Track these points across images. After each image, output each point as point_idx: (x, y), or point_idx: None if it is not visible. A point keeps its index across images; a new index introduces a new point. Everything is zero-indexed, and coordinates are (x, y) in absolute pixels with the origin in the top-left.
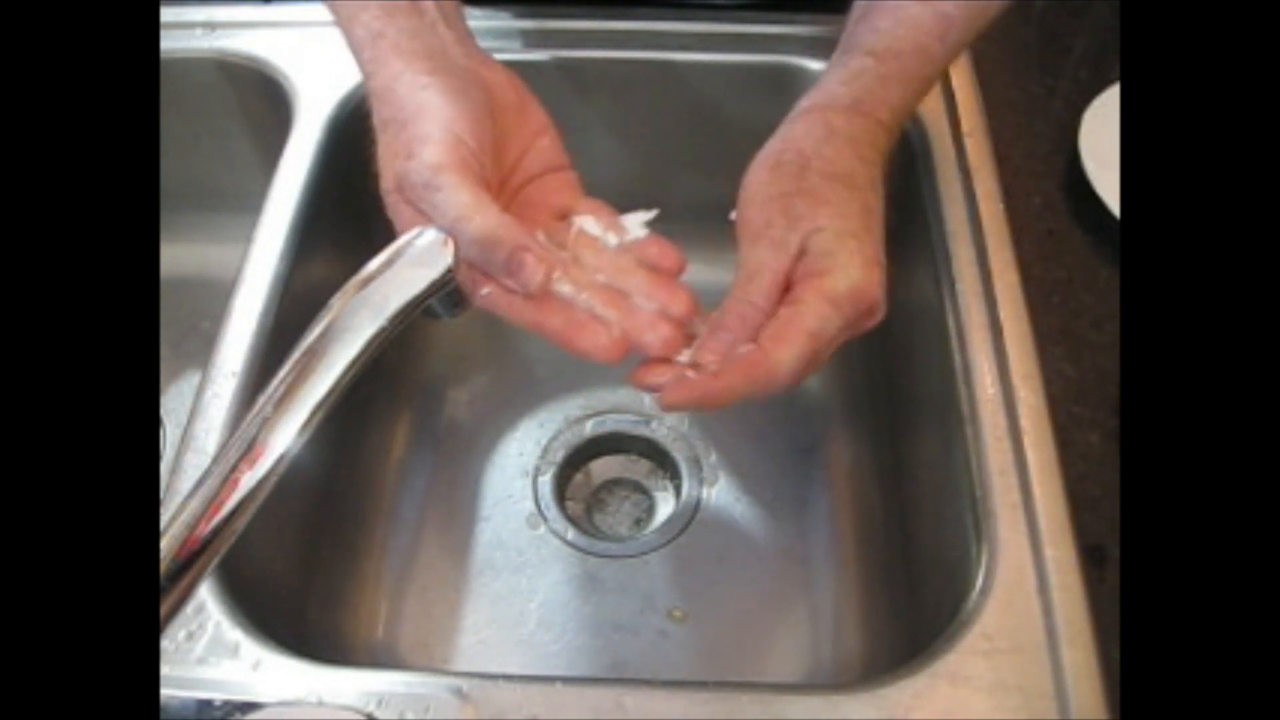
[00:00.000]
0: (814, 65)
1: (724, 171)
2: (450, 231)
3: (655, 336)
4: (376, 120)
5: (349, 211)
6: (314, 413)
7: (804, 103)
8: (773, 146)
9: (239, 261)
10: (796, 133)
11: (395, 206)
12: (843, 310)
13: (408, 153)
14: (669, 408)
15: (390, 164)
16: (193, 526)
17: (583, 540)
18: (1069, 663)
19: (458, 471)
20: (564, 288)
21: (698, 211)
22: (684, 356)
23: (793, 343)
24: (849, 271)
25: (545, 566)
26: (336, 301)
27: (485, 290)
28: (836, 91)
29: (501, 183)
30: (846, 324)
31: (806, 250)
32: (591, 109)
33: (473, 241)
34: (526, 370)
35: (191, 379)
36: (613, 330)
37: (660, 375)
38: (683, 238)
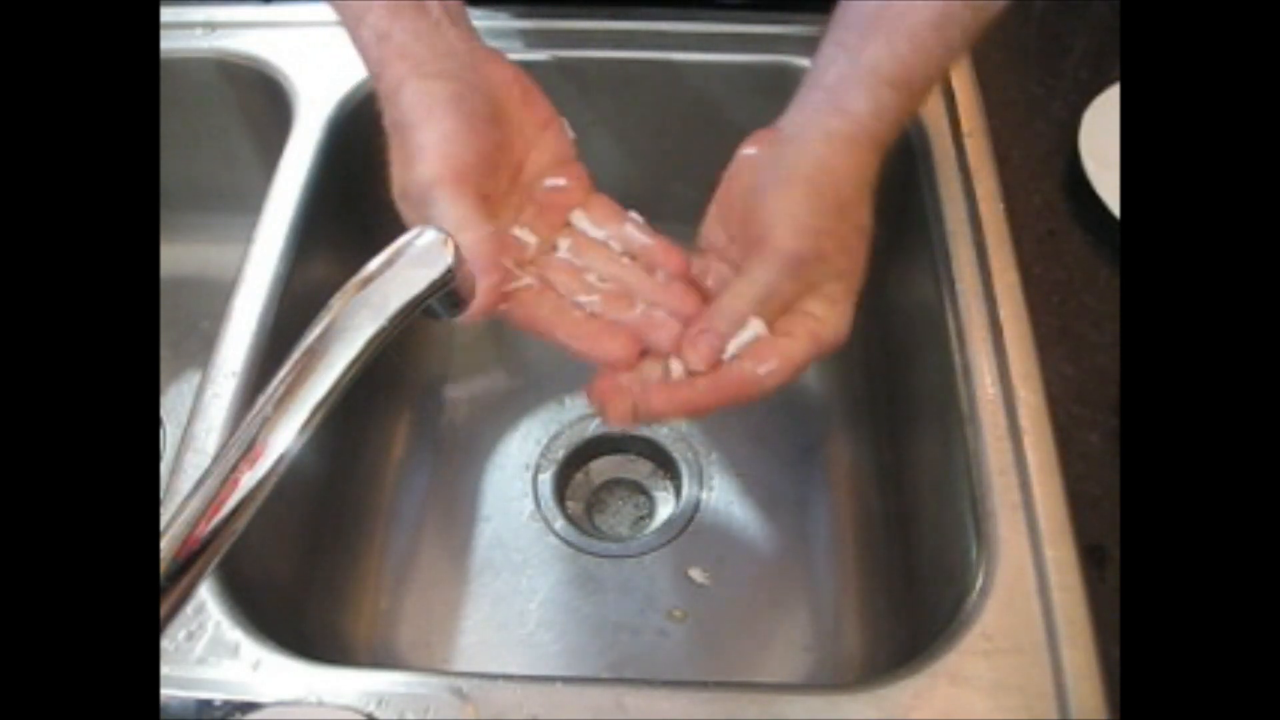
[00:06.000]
0: None
1: (723, 172)
2: None
3: (665, 335)
4: (387, 122)
5: (349, 211)
6: (314, 413)
7: (840, 125)
8: (807, 170)
9: (239, 261)
10: (840, 169)
11: (404, 213)
12: (823, 352)
13: (409, 162)
14: (651, 417)
15: (397, 171)
16: (193, 526)
17: (583, 540)
18: (1069, 663)
19: (458, 471)
20: (525, 280)
21: (697, 211)
22: (676, 368)
23: (781, 374)
24: (840, 326)
25: (545, 566)
26: (336, 301)
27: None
28: (871, 127)
29: (512, 179)
30: (818, 359)
31: (815, 286)
32: (591, 109)
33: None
34: (527, 370)
35: (191, 379)
36: (620, 336)
37: (623, 397)
38: (682, 237)
